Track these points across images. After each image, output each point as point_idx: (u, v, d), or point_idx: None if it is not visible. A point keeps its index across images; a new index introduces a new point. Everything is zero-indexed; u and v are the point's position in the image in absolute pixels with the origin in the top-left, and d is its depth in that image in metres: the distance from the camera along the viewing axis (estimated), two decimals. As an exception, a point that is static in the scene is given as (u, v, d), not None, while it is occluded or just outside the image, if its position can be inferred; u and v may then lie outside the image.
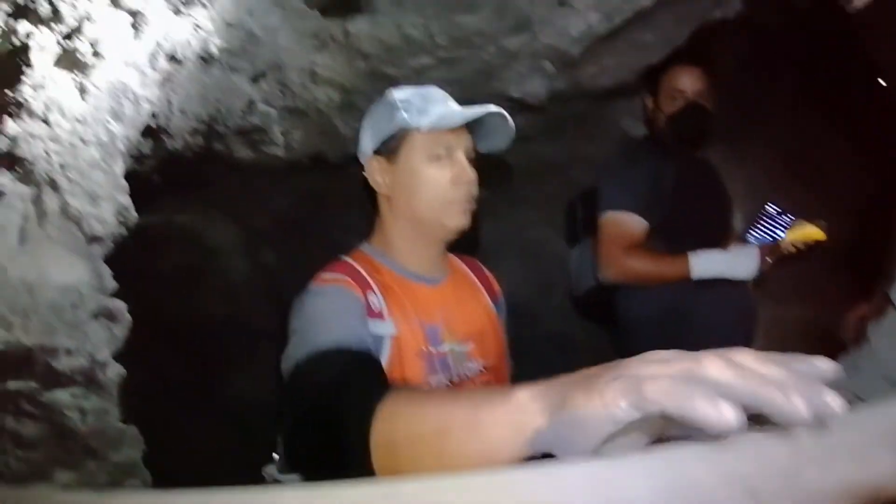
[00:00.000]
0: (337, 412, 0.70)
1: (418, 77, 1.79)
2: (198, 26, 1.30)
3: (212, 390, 2.39)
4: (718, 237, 1.87)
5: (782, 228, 1.86)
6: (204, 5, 1.28)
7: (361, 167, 1.13)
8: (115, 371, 1.19)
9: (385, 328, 1.00)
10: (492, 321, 1.19)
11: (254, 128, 1.67)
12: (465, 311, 1.14)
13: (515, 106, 1.99)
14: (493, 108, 1.05)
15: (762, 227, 1.86)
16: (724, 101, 1.93)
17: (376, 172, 1.09)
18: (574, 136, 2.43)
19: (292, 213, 2.34)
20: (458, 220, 1.07)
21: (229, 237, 2.33)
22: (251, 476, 1.06)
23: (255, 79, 1.56)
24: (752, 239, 1.84)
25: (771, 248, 1.79)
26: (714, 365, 0.37)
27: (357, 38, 1.62)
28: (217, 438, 2.38)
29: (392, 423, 0.63)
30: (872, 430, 0.36)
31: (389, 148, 1.07)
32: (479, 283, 1.23)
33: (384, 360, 0.97)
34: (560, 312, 2.90)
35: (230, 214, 2.26)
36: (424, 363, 1.04)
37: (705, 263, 1.73)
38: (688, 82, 1.82)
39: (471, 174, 1.06)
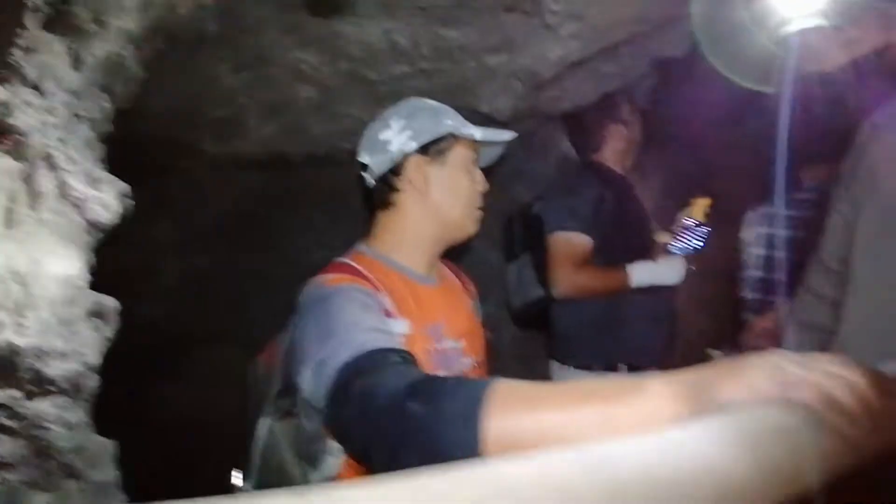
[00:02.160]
0: (436, 416, 0.68)
1: (397, 84, 1.79)
2: (202, 6, 1.21)
3: (142, 399, 2.16)
4: (646, 249, 2.08)
5: (699, 239, 2.10)
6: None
7: (362, 166, 1.14)
8: (95, 379, 1.05)
9: (399, 327, 1.01)
10: (475, 322, 1.27)
11: (227, 119, 1.56)
12: (457, 310, 1.20)
13: (479, 118, 2.06)
14: (512, 135, 1.19)
15: (681, 239, 2.07)
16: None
17: (414, 170, 1.10)
18: (519, 153, 2.54)
19: (237, 213, 2.20)
20: (475, 226, 1.17)
21: (168, 236, 2.13)
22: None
23: (238, 69, 1.48)
24: (673, 250, 2.06)
25: (691, 257, 2.04)
26: (839, 390, 0.49)
27: (344, 39, 1.60)
28: (149, 450, 2.16)
29: (505, 422, 0.64)
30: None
31: (437, 149, 1.10)
32: (461, 286, 1.30)
33: None
34: (491, 321, 2.99)
35: (170, 212, 2.07)
36: (431, 360, 1.06)
37: (641, 273, 1.93)
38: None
39: (487, 185, 1.18)
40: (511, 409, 0.65)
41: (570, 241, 1.96)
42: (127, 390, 2.22)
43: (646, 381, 0.58)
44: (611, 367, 2.00)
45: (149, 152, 1.53)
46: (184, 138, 1.56)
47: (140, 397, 2.17)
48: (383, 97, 1.75)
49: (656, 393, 0.56)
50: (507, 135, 1.18)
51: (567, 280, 1.95)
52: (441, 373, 1.07)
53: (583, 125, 2.20)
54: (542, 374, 2.19)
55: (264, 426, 1.11)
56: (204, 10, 1.25)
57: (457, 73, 1.78)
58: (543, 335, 2.36)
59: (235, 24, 1.40)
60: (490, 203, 2.73)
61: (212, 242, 2.19)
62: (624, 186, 2.10)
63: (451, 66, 1.75)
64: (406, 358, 0.84)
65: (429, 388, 0.73)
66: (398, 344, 0.89)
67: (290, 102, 1.65)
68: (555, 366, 2.13)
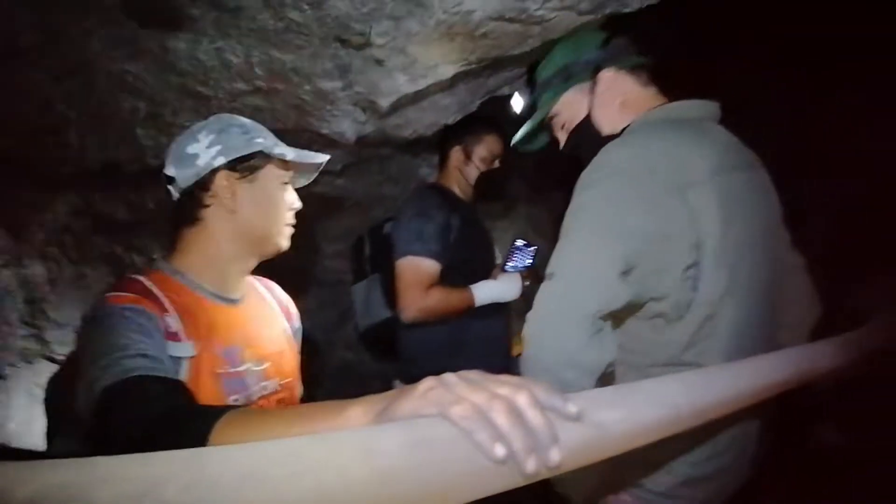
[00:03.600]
0: (170, 440, 0.73)
1: (233, 100, 1.84)
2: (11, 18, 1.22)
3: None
4: (488, 271, 2.22)
5: (530, 257, 2.26)
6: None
7: (168, 179, 1.14)
8: None
9: (182, 350, 1.01)
10: (288, 342, 1.28)
11: (49, 128, 1.55)
12: (262, 332, 1.21)
13: (325, 141, 2.14)
14: (325, 158, 1.21)
15: (514, 258, 2.23)
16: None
17: (223, 187, 1.11)
18: (378, 176, 2.64)
19: (72, 225, 2.14)
20: (286, 241, 1.20)
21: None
22: None
23: (58, 78, 1.48)
24: (509, 268, 2.22)
25: (526, 273, 2.21)
26: (501, 412, 0.51)
27: (174, 54, 1.63)
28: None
29: (225, 442, 0.69)
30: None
31: (247, 167, 1.13)
32: (276, 305, 1.31)
33: None
34: (353, 342, 3.04)
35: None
36: (221, 384, 1.07)
37: (483, 292, 2.06)
38: (499, 147, 2.18)
39: (300, 204, 1.21)
40: (234, 434, 0.70)
41: (417, 266, 2.00)
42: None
43: (348, 403, 0.64)
44: None
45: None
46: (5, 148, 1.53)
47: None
48: (218, 111, 1.79)
49: (353, 413, 0.62)
50: (320, 157, 1.20)
51: (414, 304, 1.98)
52: (235, 397, 1.08)
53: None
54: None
55: (64, 445, 1.10)
56: (16, 23, 1.26)
57: (292, 95, 1.85)
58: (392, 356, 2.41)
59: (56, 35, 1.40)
60: (353, 226, 2.83)
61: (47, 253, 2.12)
62: (467, 210, 2.19)
63: (285, 87, 1.82)
64: (169, 387, 0.87)
65: (169, 419, 0.77)
66: (165, 371, 0.91)
67: (115, 113, 1.66)
68: (399, 387, 2.17)
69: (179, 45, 1.64)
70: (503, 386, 0.54)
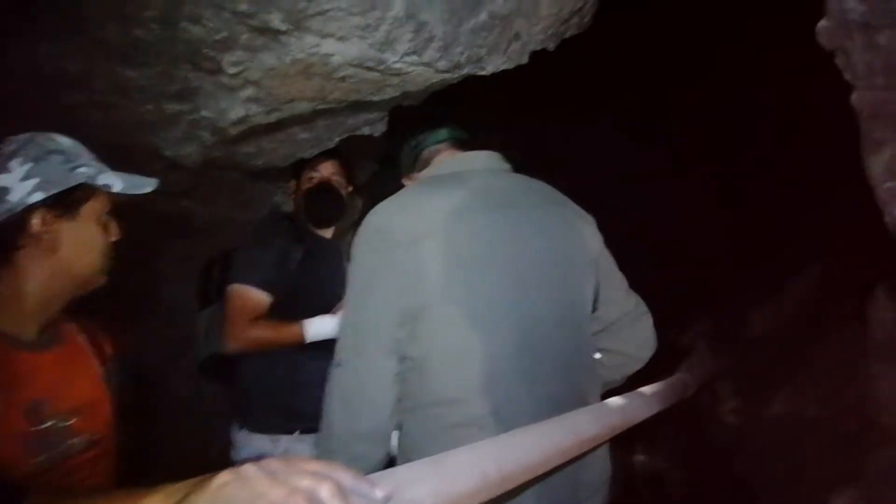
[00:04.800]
0: None
1: (70, 112, 1.68)
2: None
3: None
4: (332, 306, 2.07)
5: None
6: None
7: None
8: None
9: None
10: (100, 391, 1.15)
11: None
12: (71, 381, 1.09)
13: (168, 162, 2.02)
14: (154, 185, 1.12)
15: None
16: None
17: (40, 226, 0.99)
18: (229, 200, 2.54)
19: None
20: (104, 278, 1.11)
21: None
22: None
23: None
24: None
25: None
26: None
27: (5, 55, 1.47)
28: None
29: None
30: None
31: (68, 202, 1.01)
32: (90, 349, 1.18)
33: None
34: (191, 373, 2.84)
35: None
36: (22, 445, 0.95)
37: (317, 327, 1.92)
38: (323, 168, 2.08)
39: (119, 235, 1.12)
40: None
41: (246, 295, 1.92)
42: None
43: (148, 493, 0.60)
44: (288, 432, 1.98)
45: None
46: None
47: None
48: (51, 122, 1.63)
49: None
50: (149, 185, 1.10)
51: (237, 336, 1.90)
52: (39, 458, 0.96)
53: None
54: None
55: None
56: None
57: (134, 112, 1.74)
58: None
59: None
60: (197, 249, 2.67)
61: None
62: (317, 243, 2.10)
63: (127, 104, 1.71)
64: None
65: None
66: None
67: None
68: (234, 427, 2.06)
69: (9, 47, 1.48)
70: (305, 477, 0.53)
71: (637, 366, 1.47)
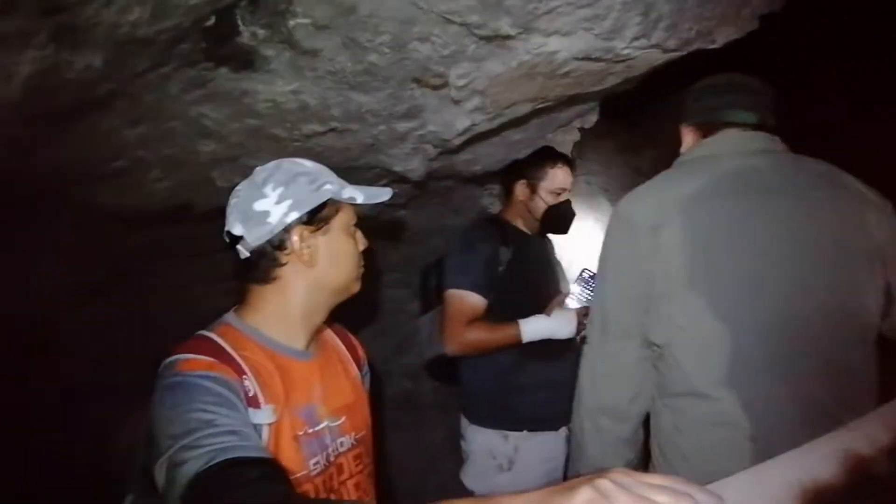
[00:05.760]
0: None
1: (307, 140, 1.82)
2: (90, 67, 1.21)
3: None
4: (546, 305, 2.07)
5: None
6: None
7: (234, 238, 1.05)
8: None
9: (262, 416, 0.96)
10: (359, 392, 1.23)
11: (123, 172, 1.55)
12: (337, 384, 1.16)
13: (394, 177, 2.10)
14: (390, 194, 1.17)
15: (580, 290, 2.02)
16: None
17: (299, 242, 1.05)
18: (439, 207, 2.60)
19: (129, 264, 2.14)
20: (358, 286, 1.16)
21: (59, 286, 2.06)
22: None
23: (134, 123, 1.48)
24: (571, 303, 2.02)
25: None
26: None
27: (252, 96, 1.61)
28: None
29: None
30: None
31: (320, 218, 1.07)
32: (346, 353, 1.26)
33: None
34: (411, 370, 3.00)
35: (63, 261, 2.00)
36: (302, 446, 1.02)
37: (532, 327, 1.96)
38: (567, 181, 2.12)
39: (367, 243, 1.17)
40: None
41: (461, 299, 1.99)
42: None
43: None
44: (514, 429, 2.04)
45: (36, 205, 1.50)
46: (77, 192, 1.54)
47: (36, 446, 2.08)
48: (293, 153, 1.77)
49: None
50: (385, 195, 1.16)
51: (456, 339, 1.98)
52: (315, 459, 1.04)
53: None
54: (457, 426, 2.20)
55: (128, 502, 1.05)
56: (92, 70, 1.25)
57: (367, 134, 1.82)
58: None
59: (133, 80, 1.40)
60: (413, 255, 2.79)
61: (113, 291, 2.14)
62: (526, 244, 2.14)
63: (360, 127, 1.79)
64: (265, 471, 0.79)
65: None
66: (256, 448, 0.84)
67: (192, 156, 1.65)
68: (463, 422, 2.15)
69: (256, 87, 1.62)
70: (662, 493, 0.52)
71: None
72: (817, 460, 0.83)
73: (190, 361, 0.93)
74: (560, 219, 2.15)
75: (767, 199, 1.18)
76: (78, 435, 2.17)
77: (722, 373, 1.14)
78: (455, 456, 2.23)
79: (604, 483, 0.52)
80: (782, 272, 1.15)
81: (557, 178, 2.12)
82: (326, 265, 1.09)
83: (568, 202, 2.14)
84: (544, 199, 2.11)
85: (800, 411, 1.10)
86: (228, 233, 1.07)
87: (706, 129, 1.34)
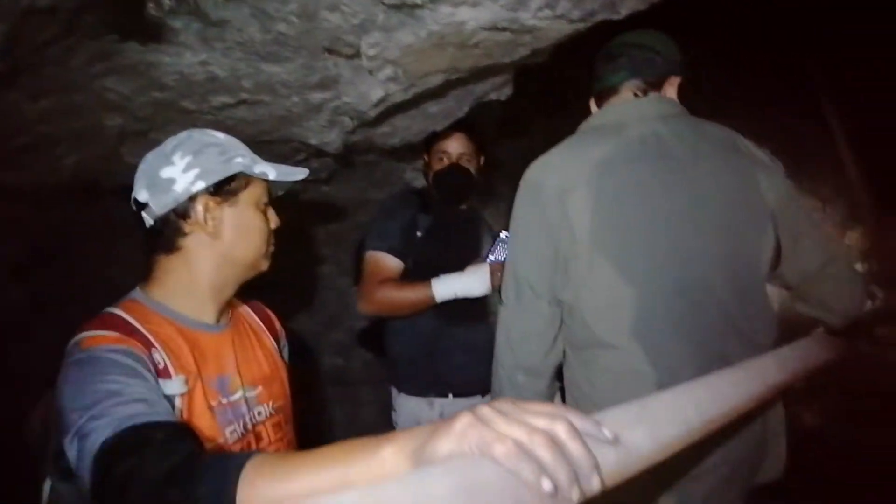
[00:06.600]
0: (190, 494, 0.69)
1: (218, 113, 1.79)
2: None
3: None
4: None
5: None
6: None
7: (139, 205, 1.06)
8: None
9: (174, 387, 0.96)
10: (276, 363, 1.25)
11: (26, 148, 1.49)
12: (252, 355, 1.18)
13: (312, 151, 2.11)
14: (305, 173, 1.17)
15: (496, 251, 2.01)
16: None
17: (203, 212, 1.05)
18: (363, 181, 2.61)
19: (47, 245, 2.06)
20: (267, 263, 1.17)
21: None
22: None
23: (35, 97, 1.42)
24: (490, 260, 2.00)
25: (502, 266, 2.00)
26: (542, 446, 0.51)
27: (158, 68, 1.58)
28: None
29: (257, 495, 0.66)
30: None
31: (228, 190, 1.07)
32: (262, 325, 1.28)
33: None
34: (341, 347, 3.02)
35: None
36: (216, 417, 1.03)
37: (444, 285, 1.95)
38: (452, 146, 2.12)
39: (278, 222, 1.18)
40: (262, 482, 0.67)
41: (377, 261, 2.03)
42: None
43: (381, 443, 0.61)
44: (440, 395, 2.07)
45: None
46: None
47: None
48: (204, 126, 1.74)
49: (387, 454, 0.60)
50: (300, 174, 1.16)
51: (368, 297, 2.00)
52: (231, 427, 1.06)
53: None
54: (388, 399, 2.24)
55: (47, 487, 1.02)
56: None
57: (280, 106, 1.81)
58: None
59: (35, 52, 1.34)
60: (338, 231, 2.80)
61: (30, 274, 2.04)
62: (449, 214, 2.16)
63: (273, 99, 1.78)
64: (171, 432, 0.80)
65: (185, 470, 0.72)
66: (165, 414, 0.85)
67: (98, 131, 1.60)
68: (393, 391, 2.19)
69: (162, 59, 1.58)
70: (540, 417, 0.55)
71: (840, 321, 1.35)
72: (706, 392, 0.93)
73: (96, 337, 0.92)
74: (444, 184, 2.11)
75: (669, 165, 1.26)
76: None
77: (627, 328, 1.21)
78: (388, 430, 2.27)
79: (484, 409, 0.56)
80: (683, 235, 1.22)
81: (441, 141, 2.13)
82: (233, 238, 1.09)
83: (453, 166, 2.09)
84: (433, 165, 2.14)
85: (705, 365, 1.13)
86: (135, 200, 1.07)
87: (600, 98, 1.43)
